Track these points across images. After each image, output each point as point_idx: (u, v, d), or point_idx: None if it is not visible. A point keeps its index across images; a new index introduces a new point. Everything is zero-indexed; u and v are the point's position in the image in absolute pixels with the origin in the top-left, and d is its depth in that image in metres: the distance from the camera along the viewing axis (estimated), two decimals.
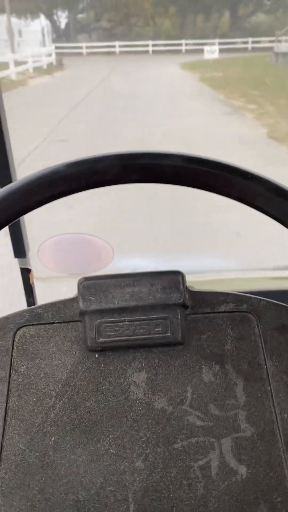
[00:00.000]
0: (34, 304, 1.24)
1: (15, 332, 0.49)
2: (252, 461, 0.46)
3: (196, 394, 0.48)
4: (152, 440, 0.46)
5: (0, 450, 0.46)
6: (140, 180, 0.43)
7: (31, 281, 1.22)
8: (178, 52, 12.05)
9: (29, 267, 1.22)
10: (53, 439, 0.46)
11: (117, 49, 11.74)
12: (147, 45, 12.47)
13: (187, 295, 0.49)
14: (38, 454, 0.46)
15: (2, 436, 0.46)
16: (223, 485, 0.45)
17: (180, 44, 12.19)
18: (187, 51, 11.94)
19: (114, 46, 11.81)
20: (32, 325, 0.49)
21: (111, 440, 0.46)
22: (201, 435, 0.47)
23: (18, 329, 0.49)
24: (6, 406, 0.47)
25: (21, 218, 1.11)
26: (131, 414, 0.47)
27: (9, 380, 0.48)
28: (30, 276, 1.23)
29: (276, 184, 0.41)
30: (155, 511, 0.44)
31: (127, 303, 0.48)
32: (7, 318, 0.49)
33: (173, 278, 0.49)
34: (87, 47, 11.77)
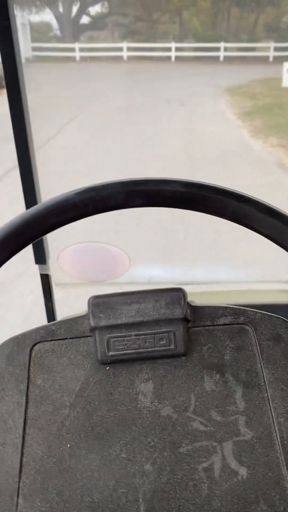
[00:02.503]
0: (52, 309, 1.34)
1: (32, 348, 0.55)
2: (252, 462, 0.51)
3: (199, 401, 0.53)
4: (159, 445, 0.51)
5: (21, 457, 0.51)
6: (143, 205, 0.49)
7: (50, 287, 1.32)
8: (213, 60, 7.85)
9: (48, 273, 1.32)
10: (68, 445, 0.52)
11: (125, 54, 7.73)
12: (169, 49, 7.95)
13: (188, 310, 0.55)
14: (55, 460, 0.51)
15: (22, 444, 0.52)
16: (225, 485, 0.50)
17: (216, 49, 7.83)
18: (228, 60, 7.84)
19: (121, 49, 7.85)
20: (47, 341, 0.56)
21: (121, 446, 0.52)
22: (204, 439, 0.52)
23: (34, 345, 0.56)
24: (25, 416, 0.53)
25: None
26: (140, 421, 0.53)
27: (27, 392, 0.54)
28: (49, 282, 1.33)
29: (269, 206, 0.47)
30: (164, 510, 0.49)
31: (133, 319, 0.54)
32: (24, 335, 0.56)
33: (175, 295, 0.54)
34: (82, 50, 7.69)
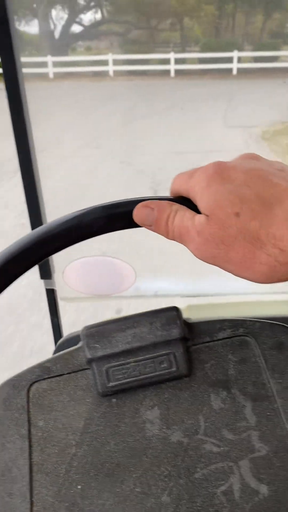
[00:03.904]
0: (58, 324, 1.35)
1: (29, 389, 0.55)
2: (271, 478, 0.51)
3: (208, 422, 0.53)
4: (174, 473, 0.51)
5: (31, 506, 0.50)
6: (126, 227, 0.48)
7: (56, 302, 1.34)
8: (224, 73, 5.78)
9: (54, 288, 1.33)
10: (79, 487, 0.51)
11: (111, 68, 6.01)
12: (168, 60, 5.87)
13: (185, 329, 0.55)
14: (67, 504, 0.51)
15: (31, 492, 0.51)
16: (247, 507, 0.50)
17: (227, 60, 5.78)
18: (242, 73, 5.70)
19: (106, 63, 6.14)
20: (44, 379, 0.55)
21: (134, 479, 0.51)
22: (219, 461, 0.52)
23: (31, 385, 0.55)
24: (30, 461, 0.52)
25: None
26: (150, 451, 0.52)
27: (29, 436, 0.53)
28: (55, 297, 1.34)
29: None
30: None
31: (130, 345, 0.54)
32: (19, 376, 0.56)
33: (170, 314, 0.54)
34: (57, 65, 6.20)
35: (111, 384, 0.53)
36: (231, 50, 5.80)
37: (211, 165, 0.43)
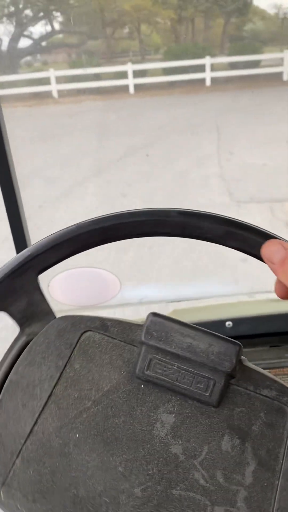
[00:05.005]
0: None
1: (83, 333, 0.60)
2: None
3: (209, 455, 0.54)
4: (156, 477, 0.53)
5: (34, 424, 0.55)
6: (238, 248, 0.54)
7: None
8: (196, 86, 4.79)
9: None
10: (77, 435, 0.55)
11: (54, 87, 5.15)
12: (124, 74, 5.02)
13: (237, 367, 0.56)
14: (61, 441, 0.55)
15: (40, 413, 0.56)
16: None
17: (199, 68, 4.74)
18: (219, 83, 4.67)
19: (47, 81, 5.17)
20: (99, 332, 0.59)
21: (122, 460, 0.54)
22: (199, 494, 0.52)
23: (86, 331, 0.60)
24: (52, 390, 0.57)
25: None
26: (148, 446, 0.54)
27: (63, 370, 0.58)
28: None
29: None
30: None
31: (181, 352, 0.56)
32: (81, 318, 0.60)
33: (230, 347, 0.56)
34: None
35: (148, 372, 0.56)
36: (201, 56, 4.77)
37: None
